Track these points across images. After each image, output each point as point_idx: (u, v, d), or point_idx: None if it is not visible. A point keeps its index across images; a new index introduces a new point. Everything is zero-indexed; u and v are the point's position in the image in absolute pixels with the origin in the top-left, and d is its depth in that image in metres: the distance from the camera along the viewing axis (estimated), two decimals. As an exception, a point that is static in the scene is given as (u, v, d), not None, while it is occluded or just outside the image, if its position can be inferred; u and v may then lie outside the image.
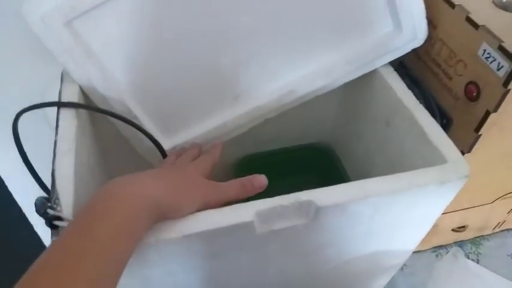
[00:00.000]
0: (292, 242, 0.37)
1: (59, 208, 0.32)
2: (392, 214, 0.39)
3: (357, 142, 0.56)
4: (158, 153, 0.46)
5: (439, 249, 0.63)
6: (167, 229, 0.31)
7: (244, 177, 0.37)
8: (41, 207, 0.33)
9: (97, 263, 0.26)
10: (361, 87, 0.51)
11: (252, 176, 0.37)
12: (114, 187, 0.30)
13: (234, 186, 0.36)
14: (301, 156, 0.62)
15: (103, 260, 0.26)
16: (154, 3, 0.39)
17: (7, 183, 0.55)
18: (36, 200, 0.34)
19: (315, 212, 0.34)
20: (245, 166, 0.59)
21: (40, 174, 0.37)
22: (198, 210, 0.33)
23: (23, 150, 0.40)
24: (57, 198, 0.32)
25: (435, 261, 0.62)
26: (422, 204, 0.39)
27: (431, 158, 0.41)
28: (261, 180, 0.37)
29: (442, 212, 0.42)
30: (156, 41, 0.41)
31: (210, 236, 0.32)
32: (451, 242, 0.64)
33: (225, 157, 0.58)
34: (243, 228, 0.33)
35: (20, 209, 0.56)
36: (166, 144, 0.47)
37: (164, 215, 0.32)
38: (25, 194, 0.42)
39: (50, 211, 0.31)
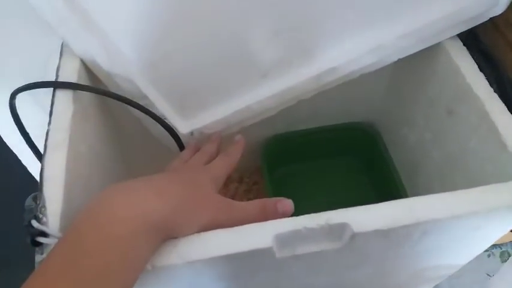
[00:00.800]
0: (320, 264, 0.31)
1: (44, 219, 0.27)
2: (445, 236, 0.31)
3: (409, 127, 0.47)
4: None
5: (492, 248, 0.55)
6: (166, 253, 0.26)
7: (268, 200, 0.31)
8: (28, 214, 0.28)
9: None
10: (419, 62, 0.42)
11: (278, 199, 0.31)
12: (105, 205, 0.25)
13: (253, 208, 0.30)
14: (339, 137, 0.54)
15: None
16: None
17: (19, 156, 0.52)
18: (26, 202, 0.30)
19: (350, 237, 0.27)
20: (275, 147, 0.53)
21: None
22: (206, 230, 0.27)
23: (24, 129, 0.35)
24: (44, 206, 0.28)
25: (486, 262, 0.54)
26: (485, 228, 0.31)
27: (505, 166, 0.32)
28: (287, 205, 0.31)
29: (508, 231, 0.34)
30: (171, 7, 0.34)
31: (219, 262, 0.27)
32: (507, 241, 0.56)
33: (252, 136, 0.51)
34: (259, 253, 0.27)
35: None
36: (183, 128, 0.41)
37: (169, 235, 0.26)
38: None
39: (34, 223, 0.27)
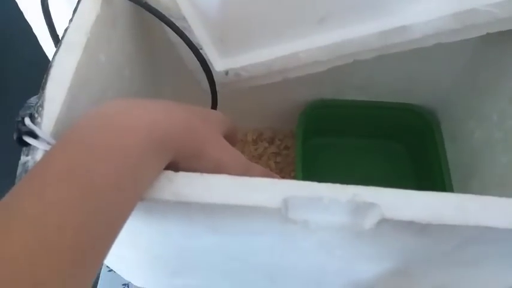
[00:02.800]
0: (332, 246, 0.27)
1: (39, 119, 0.24)
2: (492, 251, 0.26)
3: (477, 121, 0.40)
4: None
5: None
6: (160, 186, 0.22)
7: (271, 173, 0.29)
8: (24, 110, 0.25)
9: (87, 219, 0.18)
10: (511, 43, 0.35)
11: (278, 177, 0.28)
12: (110, 115, 0.22)
13: (257, 169, 0.28)
14: (392, 117, 0.48)
15: (93, 219, 0.18)
16: None
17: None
18: (30, 99, 0.27)
19: (378, 222, 0.22)
20: (315, 113, 0.47)
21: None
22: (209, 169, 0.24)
23: (56, 32, 0.33)
24: (41, 106, 0.25)
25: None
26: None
27: None
28: None
29: None
30: None
31: (216, 211, 0.23)
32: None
33: (293, 95, 0.47)
34: (265, 212, 0.23)
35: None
36: (219, 65, 0.37)
37: (174, 158, 0.23)
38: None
39: (26, 120, 0.24)
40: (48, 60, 0.27)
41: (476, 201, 0.23)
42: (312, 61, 0.35)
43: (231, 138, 0.30)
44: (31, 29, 0.49)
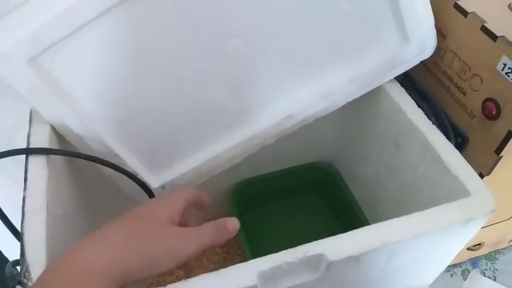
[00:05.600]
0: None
1: (29, 284, 0.27)
2: (410, 256, 0.34)
3: (364, 163, 0.51)
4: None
5: (453, 267, 0.59)
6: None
7: (218, 221, 0.33)
8: (11, 280, 0.28)
9: None
10: (365, 104, 0.47)
11: (225, 219, 0.33)
12: (55, 265, 0.26)
13: (208, 230, 0.31)
14: (301, 177, 0.58)
15: None
16: (130, 32, 0.34)
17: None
18: (6, 269, 0.30)
19: (327, 266, 0.30)
20: (242, 192, 0.55)
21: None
22: (175, 264, 0.28)
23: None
24: (28, 271, 0.28)
25: (450, 282, 0.58)
26: (443, 243, 0.35)
27: (451, 188, 0.36)
28: (234, 223, 0.33)
29: (463, 246, 0.38)
30: (135, 72, 0.37)
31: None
32: (465, 260, 0.60)
33: (219, 183, 0.54)
34: (245, 292, 0.28)
35: None
36: (154, 182, 0.43)
37: (128, 276, 0.26)
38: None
39: (18, 289, 0.27)
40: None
41: (385, 226, 0.31)
42: (231, 157, 0.43)
43: (198, 204, 0.34)
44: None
